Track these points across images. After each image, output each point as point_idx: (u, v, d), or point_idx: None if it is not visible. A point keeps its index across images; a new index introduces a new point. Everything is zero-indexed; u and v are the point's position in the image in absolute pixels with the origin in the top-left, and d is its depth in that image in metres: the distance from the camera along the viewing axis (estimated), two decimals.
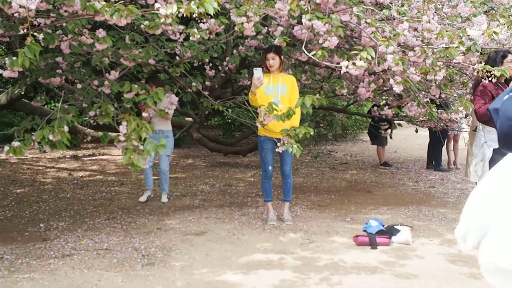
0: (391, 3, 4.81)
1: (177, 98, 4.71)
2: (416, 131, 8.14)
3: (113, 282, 3.37)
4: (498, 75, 4.10)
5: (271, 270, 3.66)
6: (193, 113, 8.40)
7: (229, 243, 4.30)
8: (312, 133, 4.03)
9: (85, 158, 9.61)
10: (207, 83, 5.71)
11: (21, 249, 4.01)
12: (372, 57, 3.78)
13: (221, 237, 4.46)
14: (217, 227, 4.76)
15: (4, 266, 3.61)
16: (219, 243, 4.29)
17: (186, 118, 10.54)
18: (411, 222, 5.00)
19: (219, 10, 3.37)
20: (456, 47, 4.27)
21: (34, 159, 9.40)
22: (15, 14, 2.90)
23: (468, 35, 4.26)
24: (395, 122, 8.49)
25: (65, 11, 3.61)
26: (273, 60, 4.66)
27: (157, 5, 3.27)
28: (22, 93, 7.07)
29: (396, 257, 3.99)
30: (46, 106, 10.04)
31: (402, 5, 5.08)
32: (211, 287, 3.36)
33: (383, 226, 4.49)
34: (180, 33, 4.46)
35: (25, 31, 2.93)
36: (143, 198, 5.89)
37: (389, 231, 4.40)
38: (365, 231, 4.45)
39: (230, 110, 5.12)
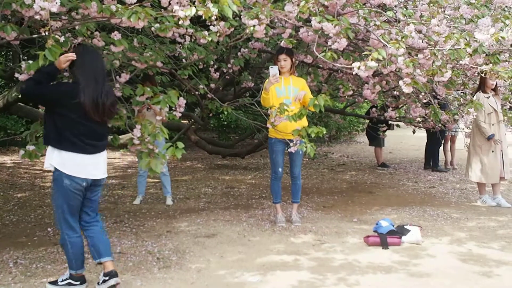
0: (395, 6, 4.85)
1: (184, 101, 4.71)
2: (414, 132, 8.20)
3: (132, 285, 3.35)
4: (505, 76, 4.17)
5: (287, 271, 3.68)
6: (195, 115, 8.38)
7: (241, 245, 4.30)
8: (324, 132, 4.08)
9: None
10: (212, 85, 5.71)
11: (34, 253, 3.97)
12: (383, 58, 3.82)
13: (232, 239, 4.47)
14: (227, 229, 4.76)
15: (19, 271, 3.57)
16: (231, 245, 4.29)
17: (182, 121, 10.51)
18: (418, 222, 5.04)
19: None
20: (463, 48, 4.31)
21: (30, 163, 9.28)
22: (37, 17, 2.87)
23: (475, 38, 4.31)
24: (394, 123, 8.54)
25: (77, 13, 3.59)
26: (285, 62, 4.70)
27: (175, 7, 3.26)
28: (19, 96, 7.01)
29: (408, 257, 4.03)
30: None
31: (406, 8, 5.14)
32: None
33: (393, 226, 4.52)
34: (190, 36, 4.46)
35: (46, 33, 2.90)
36: (137, 201, 5.90)
37: (400, 231, 4.43)
38: (375, 231, 4.48)
39: (227, 112, 5.09)
